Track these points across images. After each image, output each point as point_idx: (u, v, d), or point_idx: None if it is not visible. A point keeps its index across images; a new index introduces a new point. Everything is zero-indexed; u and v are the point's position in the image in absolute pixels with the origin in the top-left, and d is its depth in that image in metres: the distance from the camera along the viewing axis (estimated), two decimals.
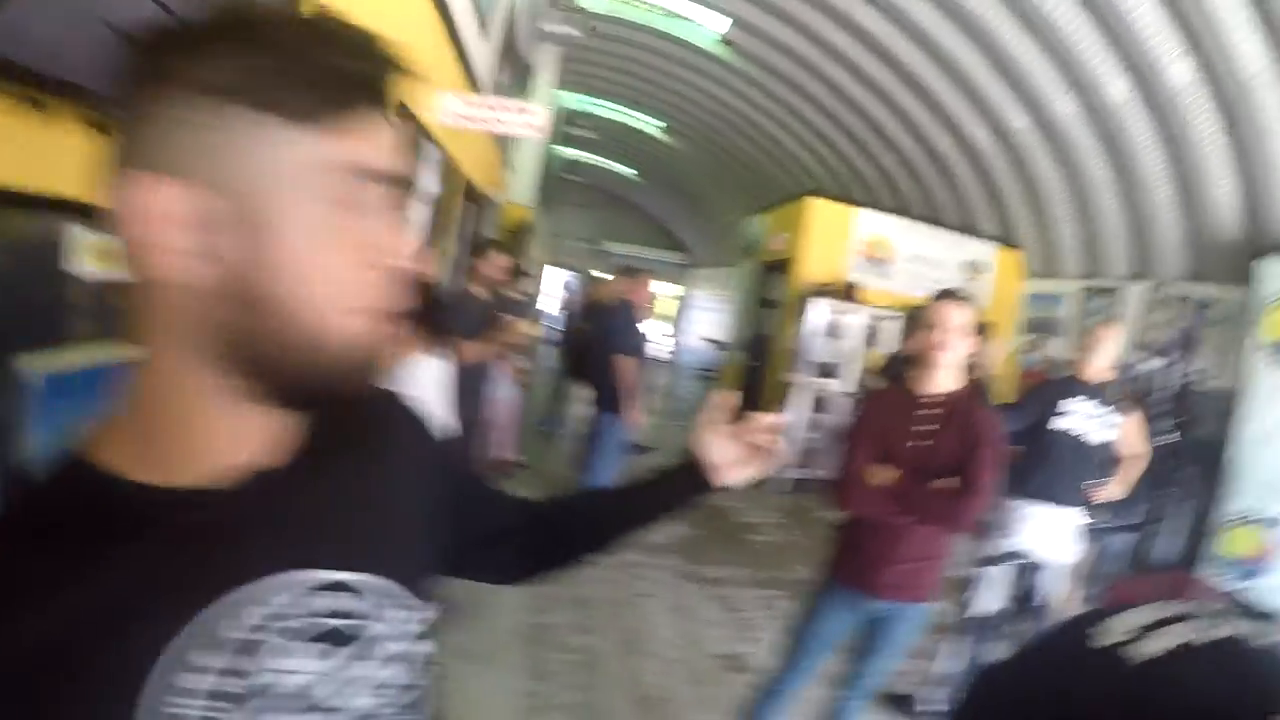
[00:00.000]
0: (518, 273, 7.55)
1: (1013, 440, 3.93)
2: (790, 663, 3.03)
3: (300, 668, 0.69)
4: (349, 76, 0.64)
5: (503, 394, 6.65)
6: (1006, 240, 10.03)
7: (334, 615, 0.72)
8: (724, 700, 3.74)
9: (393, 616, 0.77)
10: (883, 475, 2.80)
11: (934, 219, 10.50)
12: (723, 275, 23.03)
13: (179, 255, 0.62)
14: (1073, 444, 4.19)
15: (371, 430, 0.85)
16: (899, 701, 4.18)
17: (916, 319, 3.02)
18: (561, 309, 8.32)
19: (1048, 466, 4.16)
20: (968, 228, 10.28)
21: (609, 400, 6.13)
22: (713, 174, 19.00)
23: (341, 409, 0.72)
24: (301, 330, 0.64)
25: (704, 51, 12.67)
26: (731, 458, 1.27)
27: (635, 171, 23.06)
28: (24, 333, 1.27)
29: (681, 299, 27.52)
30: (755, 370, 10.42)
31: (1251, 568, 6.11)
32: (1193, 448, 6.79)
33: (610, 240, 27.87)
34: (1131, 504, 6.29)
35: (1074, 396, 4.24)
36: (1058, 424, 4.19)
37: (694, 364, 20.29)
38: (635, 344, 6.27)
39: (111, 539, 0.65)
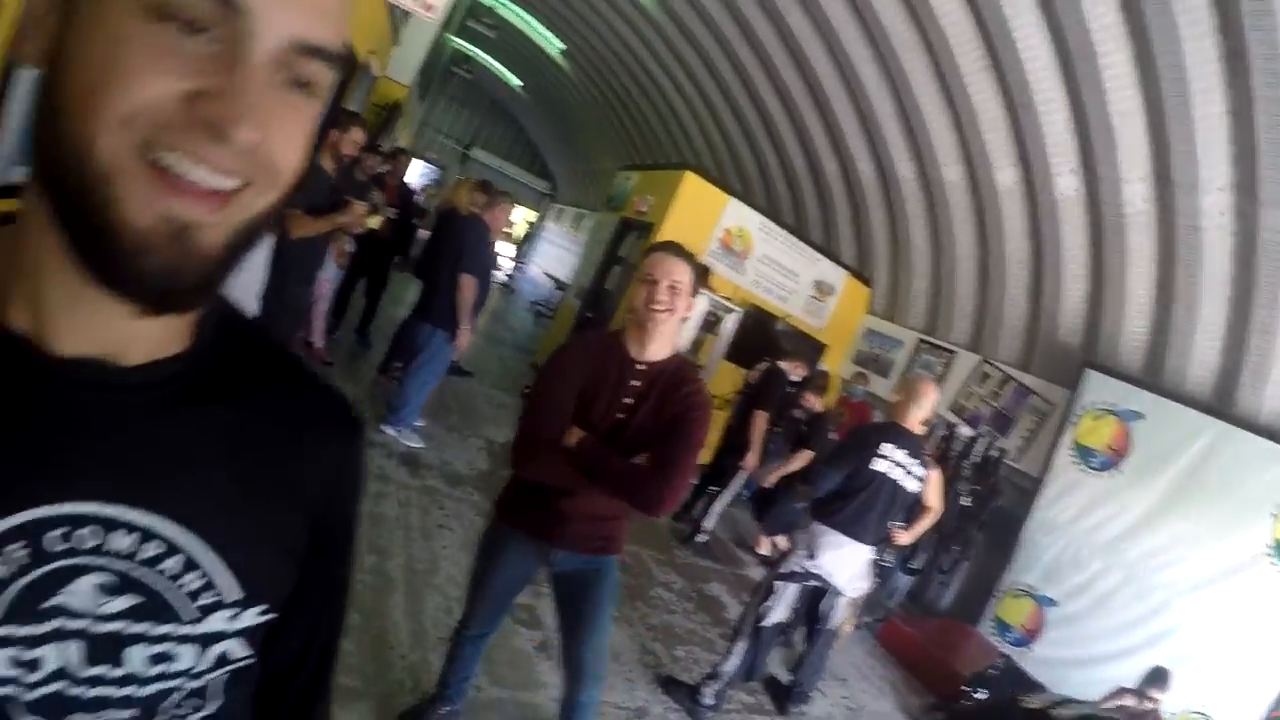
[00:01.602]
0: (376, 153, 7.52)
1: (837, 482, 4.53)
2: (478, 613, 2.97)
3: (104, 608, 0.66)
4: None
5: (324, 274, 6.49)
6: (860, 273, 10.84)
7: (156, 573, 0.68)
8: (504, 651, 3.91)
9: (207, 600, 0.71)
10: (574, 435, 2.58)
11: (799, 231, 11.13)
12: (580, 217, 23.46)
13: (29, 31, 0.61)
14: (889, 486, 4.50)
15: (277, 405, 0.79)
16: (682, 689, 4.35)
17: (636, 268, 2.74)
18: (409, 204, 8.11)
19: (859, 503, 4.46)
20: (828, 249, 11.01)
21: (442, 315, 6.18)
22: (598, 113, 19.21)
23: (144, 307, 0.60)
24: (74, 139, 0.56)
25: None
26: None
27: (522, 85, 22.99)
28: None
29: (532, 226, 27.72)
30: (589, 320, 10.72)
31: (1023, 636, 7.26)
32: (988, 514, 7.86)
33: (480, 148, 27.75)
34: (917, 551, 7.31)
35: (893, 442, 4.54)
36: (877, 465, 4.48)
37: (530, 296, 20.55)
38: (483, 264, 6.35)
39: None
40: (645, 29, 13.48)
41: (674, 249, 2.70)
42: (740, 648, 4.44)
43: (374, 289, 8.34)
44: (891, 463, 4.53)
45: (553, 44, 17.85)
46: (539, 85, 21.87)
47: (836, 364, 10.45)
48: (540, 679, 3.79)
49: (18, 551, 0.62)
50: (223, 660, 0.73)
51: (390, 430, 6.07)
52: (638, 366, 2.64)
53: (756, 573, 6.84)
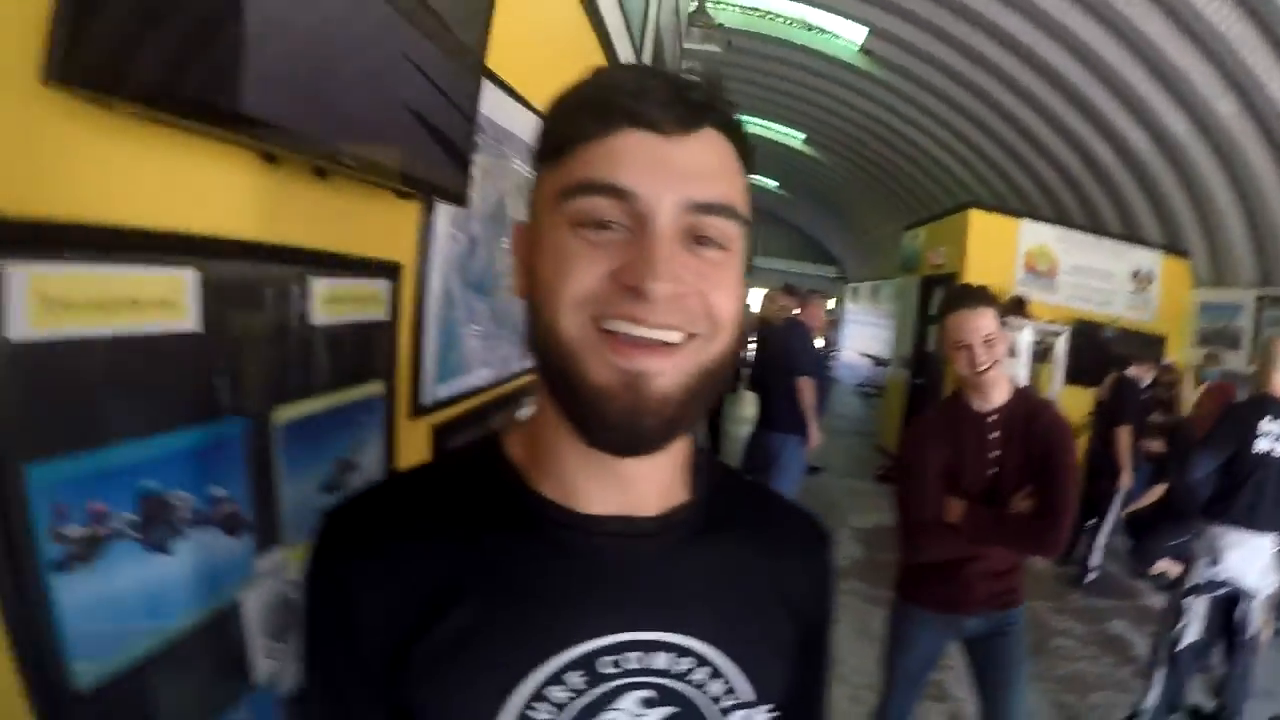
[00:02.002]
0: None
1: (1217, 472, 4.27)
2: (896, 695, 3.02)
3: (646, 717, 0.80)
4: (573, 112, 0.77)
5: None
6: (1173, 248, 10.18)
7: (688, 684, 0.82)
8: None
9: (729, 703, 0.84)
10: (955, 510, 2.66)
11: (1096, 229, 10.69)
12: (877, 289, 23.33)
13: (518, 273, 0.85)
14: (1276, 466, 4.21)
15: (761, 531, 0.94)
16: None
17: (941, 324, 2.85)
18: None
19: (1250, 491, 4.18)
20: (1131, 236, 10.48)
21: (788, 421, 6.45)
22: (859, 186, 19.32)
23: (622, 451, 0.76)
24: (546, 330, 0.75)
25: (843, 62, 13.12)
26: None
27: (778, 184, 23.55)
28: (272, 382, 1.41)
29: (835, 314, 27.82)
30: (920, 388, 10.80)
31: None
32: None
33: (758, 255, 28.54)
34: None
35: (1270, 414, 4.26)
36: (1259, 446, 4.20)
37: (853, 380, 20.50)
38: (815, 363, 6.60)
39: (520, 540, 0.82)
40: (872, 88, 13.62)
41: (964, 301, 2.74)
42: (1159, 679, 4.25)
43: (711, 415, 8.60)
44: (1275, 439, 4.25)
45: (794, 137, 18.36)
46: (795, 180, 22.36)
47: (1180, 352, 9.69)
48: None
49: (576, 678, 0.78)
50: None
51: None
52: (989, 419, 2.70)
53: (1156, 600, 6.49)
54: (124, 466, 1.11)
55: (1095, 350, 9.23)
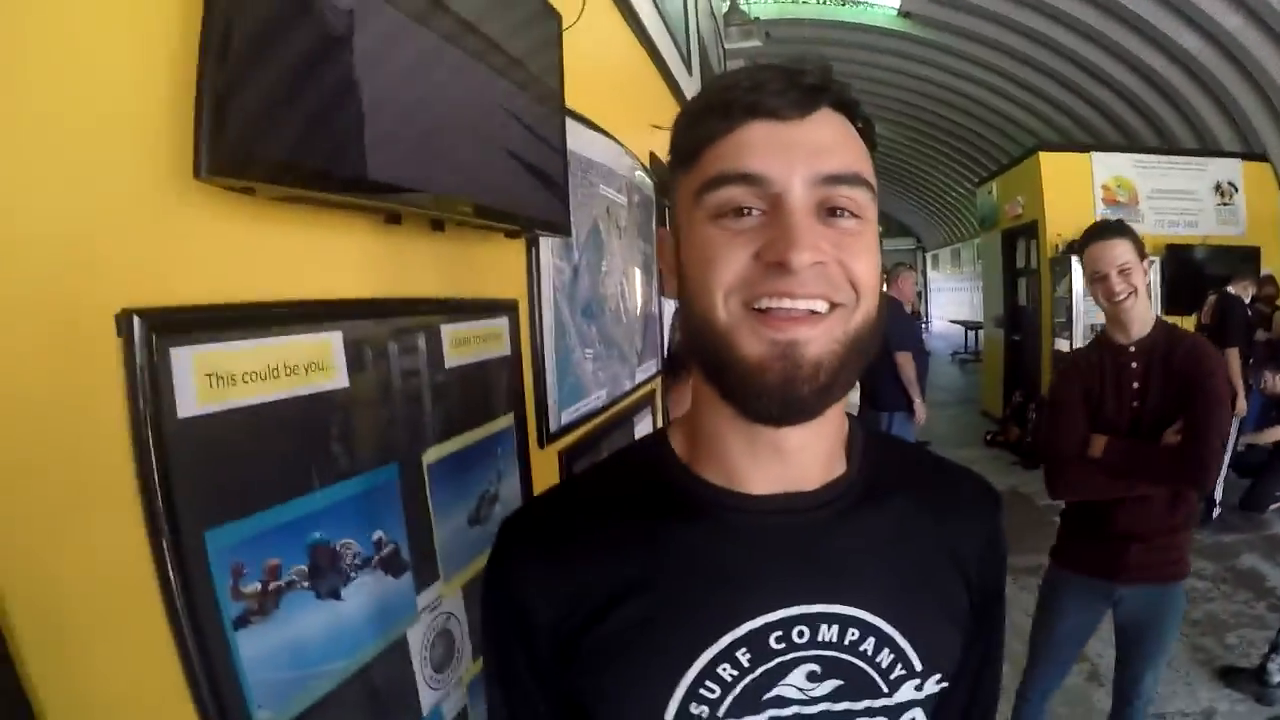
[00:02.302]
0: None
1: None
2: (1038, 666, 2.93)
3: (813, 691, 0.82)
4: (699, 117, 0.80)
5: None
6: (1251, 154, 9.70)
7: (857, 654, 0.82)
8: (1078, 702, 3.94)
9: (899, 673, 0.84)
10: (1098, 445, 2.59)
11: (1169, 149, 10.31)
12: (957, 253, 22.96)
13: (667, 277, 0.88)
14: None
15: (926, 497, 0.92)
16: (1245, 676, 4.08)
17: (1082, 263, 2.77)
18: None
19: None
20: (1207, 150, 10.04)
21: (892, 399, 6.42)
22: (921, 151, 19.01)
23: (779, 419, 0.77)
24: (701, 320, 0.77)
25: (883, 29, 12.94)
26: None
27: None
28: (418, 425, 1.50)
29: (916, 284, 27.45)
30: (1018, 344, 10.60)
31: None
32: None
33: None
34: None
35: None
36: None
37: (947, 349, 20.19)
38: (912, 336, 6.56)
39: (687, 526, 0.84)
40: (918, 50, 13.40)
41: (1103, 232, 2.69)
42: None
43: None
44: None
45: None
46: None
47: (1279, 263, 9.15)
48: (1099, 708, 3.73)
49: (743, 656, 0.79)
50: None
51: None
52: (1130, 349, 2.63)
53: None
54: (293, 521, 1.19)
55: (1191, 274, 8.93)
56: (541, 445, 2.05)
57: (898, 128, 17.95)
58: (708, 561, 0.82)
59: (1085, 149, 9.89)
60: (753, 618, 0.80)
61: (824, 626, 0.81)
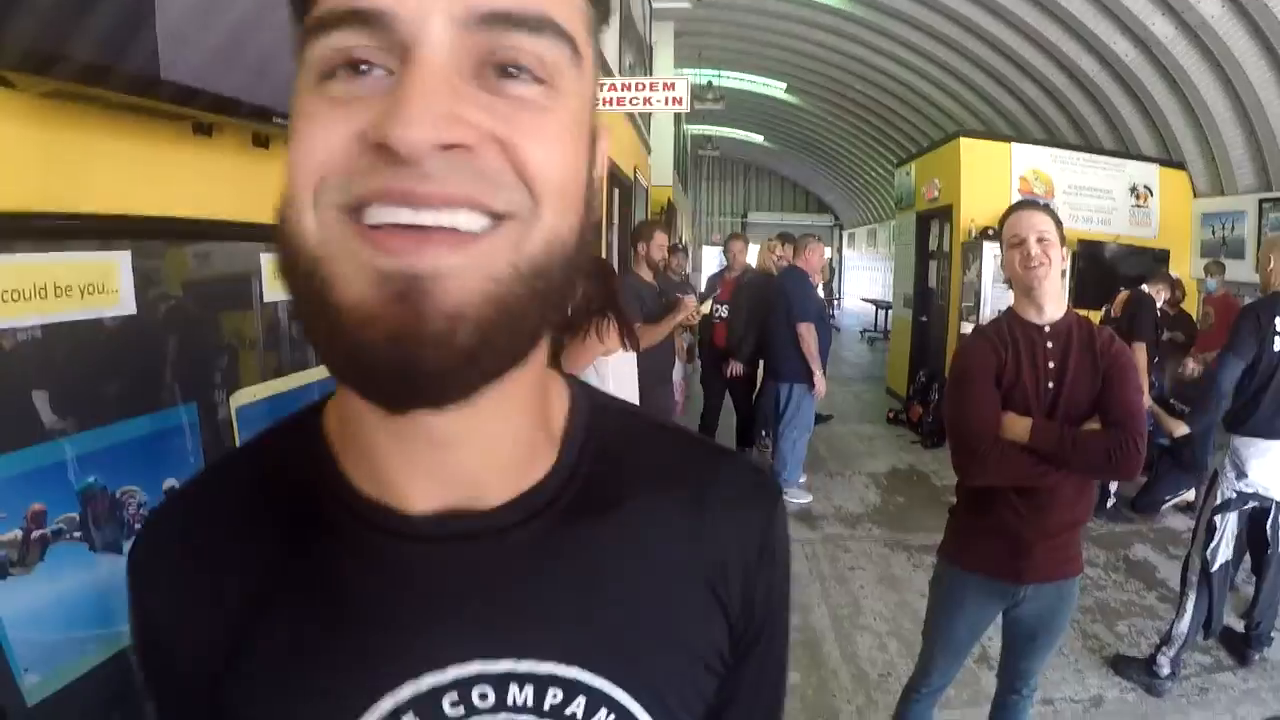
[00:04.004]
0: (677, 251, 7.97)
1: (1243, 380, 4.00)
2: (932, 665, 2.84)
3: None
4: None
5: (676, 375, 6.51)
6: (1169, 160, 9.90)
7: (549, 715, 0.61)
8: (966, 684, 3.83)
9: None
10: (1021, 426, 2.46)
11: (1089, 147, 10.46)
12: (873, 233, 23.26)
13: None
14: None
15: (670, 492, 0.69)
16: (1135, 665, 4.11)
17: (1000, 238, 2.66)
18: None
19: (1271, 397, 3.99)
20: (1126, 151, 10.23)
21: (792, 370, 6.36)
22: (845, 129, 19.18)
23: (391, 405, 0.50)
24: (288, 234, 0.49)
25: (817, 4, 12.97)
26: None
27: (763, 137, 23.45)
28: (224, 365, 1.33)
29: (832, 261, 27.80)
30: (925, 325, 10.71)
31: None
32: None
33: (754, 211, 28.51)
34: None
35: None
36: (1276, 348, 3.99)
37: (856, 327, 20.51)
38: (815, 308, 6.48)
39: (333, 545, 0.60)
40: (850, 27, 13.48)
41: (1028, 204, 2.64)
42: (1191, 603, 4.04)
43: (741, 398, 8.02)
44: None
45: (774, 87, 18.18)
46: (780, 131, 22.22)
47: (1186, 267, 9.38)
48: (987, 692, 3.74)
49: None
50: None
51: None
52: (1045, 329, 2.53)
53: (1177, 520, 6.35)
54: (61, 463, 1.05)
55: (1100, 271, 9.06)
56: None
57: (824, 104, 18.07)
58: (361, 596, 0.60)
59: (1006, 139, 10.01)
60: (417, 675, 0.58)
61: (514, 688, 0.60)
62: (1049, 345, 2.51)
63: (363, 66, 0.47)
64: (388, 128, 0.44)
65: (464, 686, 0.59)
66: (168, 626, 0.63)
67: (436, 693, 0.59)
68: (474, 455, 0.59)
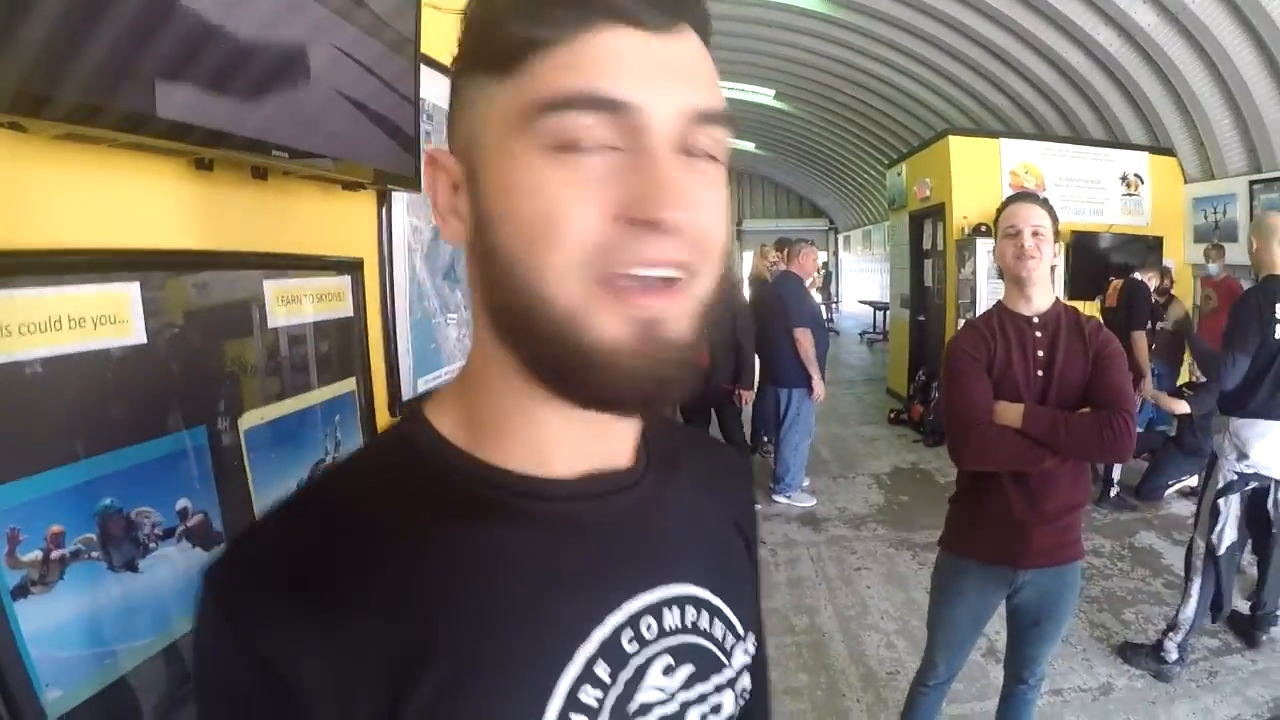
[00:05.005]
0: None
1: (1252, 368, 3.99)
2: (938, 656, 2.88)
3: (671, 686, 0.69)
4: (530, 5, 0.59)
5: None
6: (1158, 147, 9.93)
7: (699, 633, 0.73)
8: (974, 678, 3.89)
9: (731, 642, 0.77)
10: (1014, 413, 2.51)
11: (1078, 138, 10.48)
12: (868, 234, 23.28)
13: (445, 217, 0.66)
14: None
15: (702, 469, 0.86)
16: (1142, 652, 4.12)
17: (993, 229, 2.73)
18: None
19: (1271, 379, 3.99)
20: (1115, 141, 10.24)
21: (790, 375, 6.41)
22: (836, 133, 19.18)
23: (642, 410, 0.66)
24: (527, 296, 0.58)
25: (801, 9, 12.98)
26: None
27: (755, 145, 23.46)
28: (231, 388, 1.38)
29: (828, 265, 27.76)
30: (923, 324, 10.71)
31: None
32: None
33: (749, 218, 28.53)
34: None
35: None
36: (1276, 332, 3.99)
37: (855, 329, 20.52)
38: (811, 313, 6.54)
39: (486, 534, 0.65)
40: (835, 31, 13.46)
41: (1026, 196, 2.68)
42: (1196, 587, 4.06)
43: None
44: None
45: (763, 94, 18.22)
46: (771, 138, 22.21)
47: (1180, 252, 9.43)
48: (996, 685, 3.76)
49: (602, 671, 0.65)
50: (742, 695, 0.78)
51: (781, 499, 6.51)
52: (1034, 320, 2.59)
53: (1180, 506, 6.39)
54: (77, 486, 1.10)
55: (1094, 261, 9.12)
56: (394, 413, 1.97)
57: (813, 108, 18.08)
58: (531, 567, 0.65)
59: (995, 135, 10.03)
60: (601, 621, 0.66)
61: (667, 612, 0.71)
62: (1038, 335, 2.57)
63: (594, 147, 0.57)
64: (658, 209, 0.56)
65: (634, 622, 0.68)
66: (303, 673, 0.56)
67: (617, 633, 0.67)
68: (627, 431, 0.73)
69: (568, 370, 0.60)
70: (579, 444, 0.69)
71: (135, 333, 1.18)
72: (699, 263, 0.60)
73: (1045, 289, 2.61)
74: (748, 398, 6.40)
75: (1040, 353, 2.56)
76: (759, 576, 0.92)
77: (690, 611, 0.73)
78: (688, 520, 0.78)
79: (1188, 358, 6.90)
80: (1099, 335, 2.56)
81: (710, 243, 0.61)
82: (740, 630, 0.78)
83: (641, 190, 0.56)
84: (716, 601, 0.76)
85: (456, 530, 0.65)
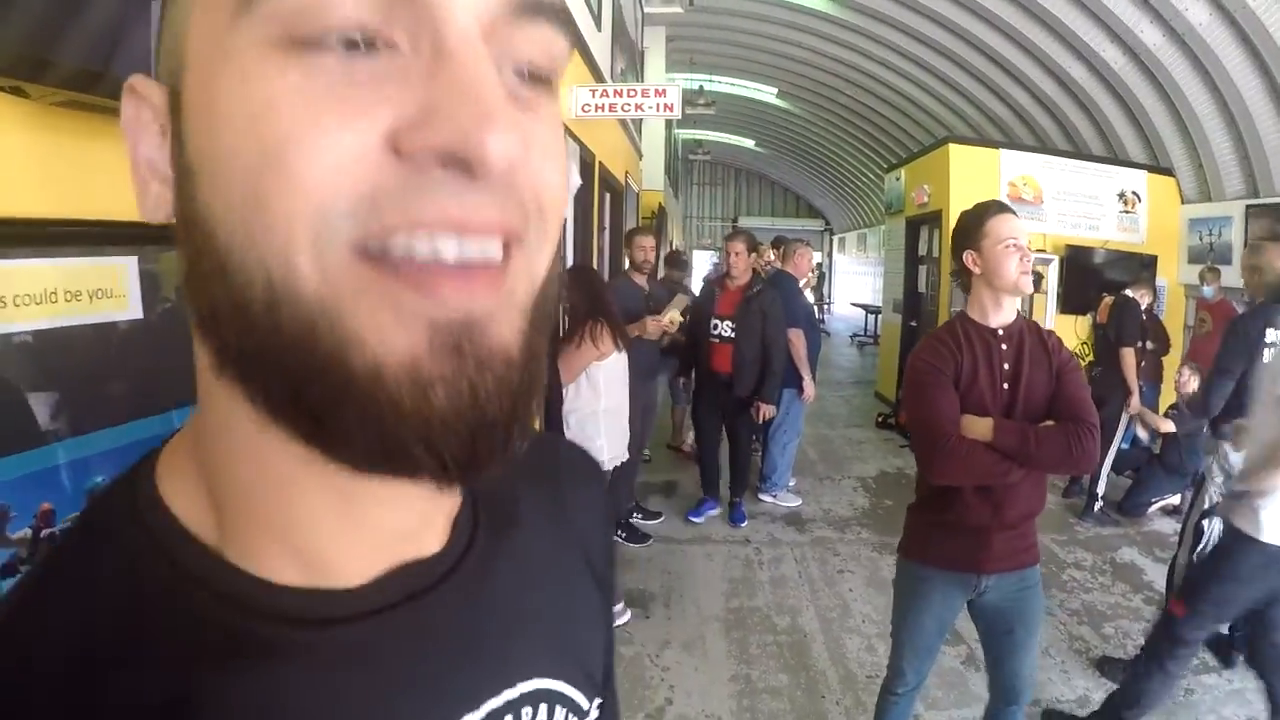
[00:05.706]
0: (676, 258, 8.23)
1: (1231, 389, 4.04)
2: (905, 664, 2.85)
3: None
4: None
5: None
6: (1157, 166, 9.94)
7: None
8: (954, 686, 3.93)
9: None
10: (982, 426, 2.47)
11: (1078, 153, 10.51)
12: (863, 237, 23.33)
13: (145, 179, 0.41)
14: None
15: (545, 479, 0.67)
16: (1121, 666, 4.05)
17: (969, 235, 2.63)
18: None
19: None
20: (1114, 158, 10.26)
21: (783, 376, 6.27)
22: (836, 134, 19.22)
23: (449, 474, 0.38)
24: (241, 275, 0.36)
25: (808, 9, 12.99)
26: None
27: (755, 142, 23.49)
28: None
29: (822, 266, 27.80)
30: (915, 330, 10.67)
31: None
32: None
33: (745, 215, 28.56)
34: None
35: (1270, 326, 4.05)
36: (1267, 357, 3.99)
37: (846, 332, 20.55)
38: (804, 313, 6.50)
39: (255, 676, 0.42)
40: (840, 33, 13.51)
41: (1007, 207, 2.64)
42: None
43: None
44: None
45: (765, 92, 18.23)
46: (771, 135, 22.25)
47: (1174, 273, 9.46)
48: (975, 693, 3.80)
49: None
50: None
51: (768, 497, 6.50)
52: (999, 333, 2.57)
53: (1163, 524, 6.39)
54: (70, 463, 1.08)
55: (1087, 276, 9.09)
56: None
57: (814, 109, 18.11)
58: (317, 714, 0.44)
59: (995, 145, 10.03)
60: None
61: None
62: (1003, 347, 2.56)
63: (363, 40, 0.35)
64: (472, 135, 0.34)
65: None
66: None
67: None
68: (431, 504, 0.48)
69: (323, 409, 0.37)
70: (365, 531, 0.45)
71: (132, 307, 1.17)
72: (532, 228, 0.40)
73: (1014, 302, 2.61)
74: (767, 413, 5.87)
75: (1006, 365, 2.55)
76: (610, 607, 0.72)
77: (543, 712, 0.55)
78: (531, 588, 0.58)
79: (1169, 375, 6.93)
80: (1061, 349, 2.58)
81: (547, 199, 0.40)
82: (584, 706, 0.61)
83: (439, 102, 0.35)
84: (558, 687, 0.58)
85: (205, 695, 0.41)
